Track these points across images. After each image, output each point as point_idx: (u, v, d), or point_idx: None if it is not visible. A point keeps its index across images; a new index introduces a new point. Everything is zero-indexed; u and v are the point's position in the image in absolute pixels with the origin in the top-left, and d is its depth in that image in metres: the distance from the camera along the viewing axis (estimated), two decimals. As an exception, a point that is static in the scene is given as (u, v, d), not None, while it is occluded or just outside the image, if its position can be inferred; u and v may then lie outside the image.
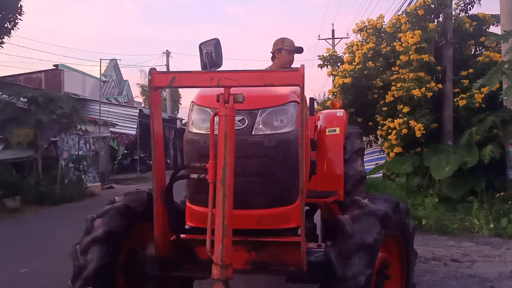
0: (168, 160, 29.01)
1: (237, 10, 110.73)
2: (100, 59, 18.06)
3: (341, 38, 27.03)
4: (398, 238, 2.54)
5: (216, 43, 3.59)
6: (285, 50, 3.78)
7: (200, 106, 2.33)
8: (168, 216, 2.23)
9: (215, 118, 2.00)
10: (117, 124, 17.52)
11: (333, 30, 27.83)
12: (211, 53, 3.47)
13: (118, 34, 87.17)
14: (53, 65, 21.73)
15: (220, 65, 3.54)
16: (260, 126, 2.22)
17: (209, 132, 2.07)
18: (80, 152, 13.76)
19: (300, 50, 3.84)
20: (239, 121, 2.18)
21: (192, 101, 2.39)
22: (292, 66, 3.90)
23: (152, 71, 1.99)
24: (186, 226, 2.40)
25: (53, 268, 4.66)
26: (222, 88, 1.97)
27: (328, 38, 27.26)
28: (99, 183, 14.41)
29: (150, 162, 27.45)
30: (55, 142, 12.84)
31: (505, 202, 6.72)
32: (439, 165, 7.79)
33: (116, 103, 24.38)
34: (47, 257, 5.32)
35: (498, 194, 6.96)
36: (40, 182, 10.98)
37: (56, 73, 21.41)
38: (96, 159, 15.58)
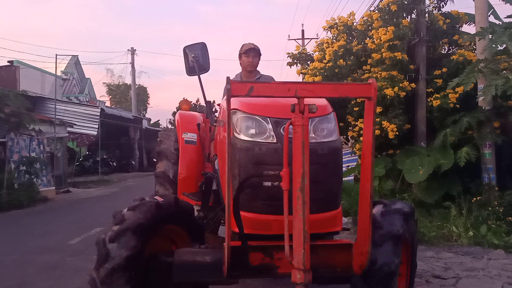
0: (133, 162, 27.99)
1: (207, 9, 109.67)
2: (56, 55, 17.09)
3: (311, 38, 26.81)
4: (407, 242, 2.72)
5: (202, 47, 3.70)
6: (244, 55, 4.13)
7: (249, 114, 2.41)
8: (237, 224, 2.26)
9: (267, 126, 2.36)
10: (75, 124, 16.51)
11: (302, 31, 27.61)
12: (198, 57, 3.60)
13: (82, 31, 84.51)
14: (8, 61, 20.44)
15: (207, 70, 3.74)
16: (312, 135, 2.34)
17: (264, 141, 2.35)
18: (33, 154, 12.75)
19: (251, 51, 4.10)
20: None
21: (235, 108, 2.41)
22: (257, 68, 4.23)
23: (230, 81, 1.99)
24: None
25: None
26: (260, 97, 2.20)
27: (298, 39, 27.00)
28: (54, 187, 13.41)
29: (114, 163, 26.63)
30: (3, 143, 11.82)
31: (482, 207, 6.38)
32: (413, 168, 7.43)
33: (77, 102, 23.21)
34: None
35: (475, 199, 6.62)
36: (-16, 187, 10.01)
37: (11, 70, 20.17)
38: (51, 161, 14.55)
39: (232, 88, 2.00)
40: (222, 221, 3.52)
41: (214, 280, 2.47)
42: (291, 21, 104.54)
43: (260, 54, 4.23)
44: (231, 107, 2.37)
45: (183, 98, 4.86)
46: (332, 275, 2.34)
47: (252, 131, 2.40)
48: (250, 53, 4.15)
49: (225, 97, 2.76)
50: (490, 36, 6.93)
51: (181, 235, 2.74)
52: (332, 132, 2.50)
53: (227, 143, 2.03)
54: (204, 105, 4.13)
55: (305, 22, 65.46)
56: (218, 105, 3.82)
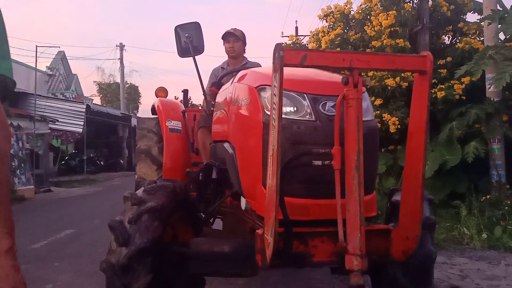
0: (121, 161, 27.23)
1: (200, 9, 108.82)
2: (36, 46, 16.22)
3: (304, 35, 26.25)
4: None
5: (196, 26, 3.58)
6: (224, 41, 4.04)
7: (286, 90, 2.11)
8: (282, 210, 2.04)
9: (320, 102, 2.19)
10: (57, 120, 15.75)
11: (296, 27, 27.07)
12: (192, 37, 3.48)
13: (71, 28, 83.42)
14: (-10, 55, 19.58)
15: (202, 51, 3.60)
16: None
17: (302, 119, 2.16)
18: (11, 151, 12.03)
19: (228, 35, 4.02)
20: (332, 106, 2.16)
21: (264, 84, 2.28)
22: (243, 56, 4.15)
23: (284, 48, 1.81)
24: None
25: None
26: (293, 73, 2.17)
27: (286, 36, 26.43)
28: (33, 186, 12.69)
29: (101, 162, 25.88)
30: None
31: (492, 206, 5.83)
32: (416, 164, 6.85)
33: (63, 98, 22.43)
34: None
35: (484, 197, 6.06)
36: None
37: (-8, 64, 19.29)
38: (31, 159, 13.81)
39: (285, 56, 1.78)
40: (219, 216, 3.42)
41: (233, 271, 2.39)
42: (283, 20, 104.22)
43: (242, 39, 4.10)
44: (260, 84, 2.28)
45: (159, 87, 4.52)
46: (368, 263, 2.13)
47: (289, 108, 2.19)
48: (229, 38, 4.02)
49: (234, 80, 2.73)
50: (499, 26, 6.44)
51: (185, 225, 2.62)
52: (368, 111, 2.32)
53: (276, 121, 1.80)
54: (203, 98, 3.83)
55: (297, 22, 65.11)
56: (214, 90, 3.62)
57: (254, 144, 2.23)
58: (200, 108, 4.43)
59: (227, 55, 4.17)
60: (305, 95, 2.21)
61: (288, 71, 1.91)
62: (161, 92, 4.36)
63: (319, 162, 2.07)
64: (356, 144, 1.86)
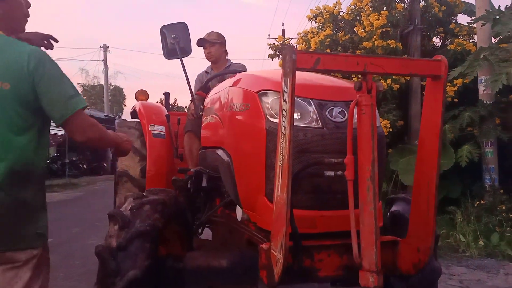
0: (105, 164, 26.68)
1: (188, 12, 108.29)
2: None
3: (292, 38, 26.13)
4: None
5: (183, 27, 3.45)
6: (203, 48, 3.95)
7: None
8: (290, 223, 1.86)
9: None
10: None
11: (283, 30, 26.91)
12: (178, 38, 3.36)
13: (56, 29, 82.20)
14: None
15: (190, 53, 3.47)
16: (356, 120, 2.03)
17: (308, 126, 2.05)
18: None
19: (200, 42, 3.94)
20: (339, 113, 2.10)
21: (265, 89, 2.17)
22: (226, 58, 4.04)
23: (296, 51, 1.69)
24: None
25: None
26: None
27: (274, 38, 26.24)
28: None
29: (84, 166, 25.28)
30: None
31: (487, 212, 5.67)
32: (409, 168, 6.64)
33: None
34: None
35: (478, 202, 5.90)
36: None
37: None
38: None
39: (298, 59, 1.68)
40: (207, 226, 3.29)
41: (231, 285, 2.28)
42: (269, 23, 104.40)
43: (219, 42, 3.97)
44: (260, 88, 2.17)
45: (140, 89, 4.39)
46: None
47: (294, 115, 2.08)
48: (204, 44, 3.94)
49: (228, 82, 2.63)
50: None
51: (176, 237, 2.46)
52: (377, 118, 2.23)
53: (287, 129, 1.70)
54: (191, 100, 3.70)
55: (284, 25, 65.21)
56: (201, 94, 3.56)
57: (256, 152, 2.10)
58: (186, 111, 4.30)
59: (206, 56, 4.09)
60: (310, 100, 2.10)
61: (297, 75, 1.83)
62: (142, 95, 4.24)
63: (331, 173, 1.97)
64: (370, 153, 1.77)
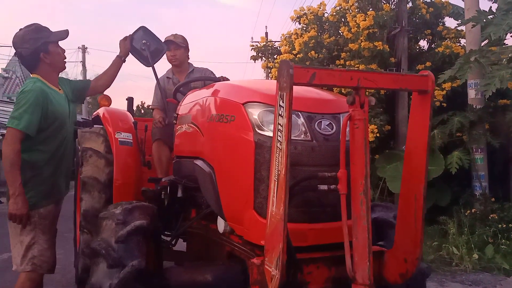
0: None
1: (168, 12, 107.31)
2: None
3: (275, 41, 25.93)
4: None
5: (145, 30, 3.50)
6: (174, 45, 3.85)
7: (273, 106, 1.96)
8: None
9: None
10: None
11: (266, 33, 26.72)
12: (148, 42, 3.42)
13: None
14: None
15: (165, 48, 3.58)
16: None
17: (297, 139, 2.04)
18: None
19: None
20: (327, 125, 2.11)
21: (251, 100, 2.15)
22: (188, 62, 4.01)
23: (294, 65, 1.70)
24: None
25: None
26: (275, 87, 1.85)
27: (256, 41, 25.97)
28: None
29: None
30: None
31: (478, 221, 5.42)
32: (396, 175, 6.38)
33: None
34: None
35: (469, 211, 5.65)
36: None
37: None
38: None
39: (295, 74, 1.69)
40: (181, 237, 3.24)
41: None
42: (253, 26, 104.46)
43: (184, 46, 3.93)
44: (247, 100, 2.16)
45: (102, 94, 4.19)
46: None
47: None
48: (170, 46, 3.83)
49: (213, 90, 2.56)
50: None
51: (150, 250, 2.40)
52: None
53: (284, 144, 1.71)
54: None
55: (267, 28, 65.18)
56: (172, 101, 3.48)
57: (243, 164, 2.08)
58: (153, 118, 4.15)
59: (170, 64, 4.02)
60: (299, 113, 2.09)
61: (275, 86, 1.84)
62: (104, 100, 4.12)
63: (324, 187, 1.92)
64: (364, 167, 1.80)
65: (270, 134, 2.04)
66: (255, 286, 1.92)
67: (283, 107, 1.69)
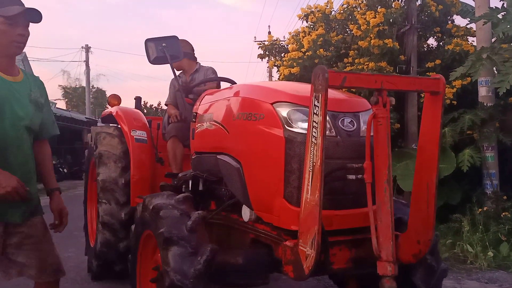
0: (86, 168, 25.88)
1: (170, 14, 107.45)
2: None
3: (281, 40, 25.88)
4: None
5: (174, 39, 3.64)
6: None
7: (304, 107, 2.25)
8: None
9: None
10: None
11: (269, 32, 26.65)
12: (168, 47, 3.55)
13: (36, 29, 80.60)
14: None
15: (180, 58, 3.72)
16: (364, 128, 2.34)
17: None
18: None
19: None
20: (349, 122, 2.30)
21: (280, 100, 2.35)
22: (194, 68, 4.24)
23: (328, 70, 1.90)
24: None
25: None
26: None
27: (264, 41, 25.94)
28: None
29: (65, 170, 24.51)
30: None
31: (491, 219, 5.38)
32: (407, 173, 6.34)
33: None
34: None
35: (480, 210, 5.61)
36: None
37: None
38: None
39: (329, 78, 1.89)
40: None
41: (245, 282, 2.45)
42: (255, 27, 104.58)
43: (191, 53, 4.19)
44: (275, 100, 2.34)
45: (112, 94, 4.48)
46: (373, 269, 2.14)
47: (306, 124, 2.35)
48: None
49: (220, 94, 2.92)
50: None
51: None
52: None
53: (320, 139, 1.90)
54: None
55: (270, 27, 65.17)
56: (188, 101, 3.70)
57: (273, 158, 2.26)
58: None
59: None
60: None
61: (301, 88, 2.28)
62: (115, 99, 4.33)
63: (352, 176, 2.15)
64: (387, 159, 2.02)
65: (299, 130, 2.25)
66: (289, 265, 2.10)
67: (318, 107, 1.89)
